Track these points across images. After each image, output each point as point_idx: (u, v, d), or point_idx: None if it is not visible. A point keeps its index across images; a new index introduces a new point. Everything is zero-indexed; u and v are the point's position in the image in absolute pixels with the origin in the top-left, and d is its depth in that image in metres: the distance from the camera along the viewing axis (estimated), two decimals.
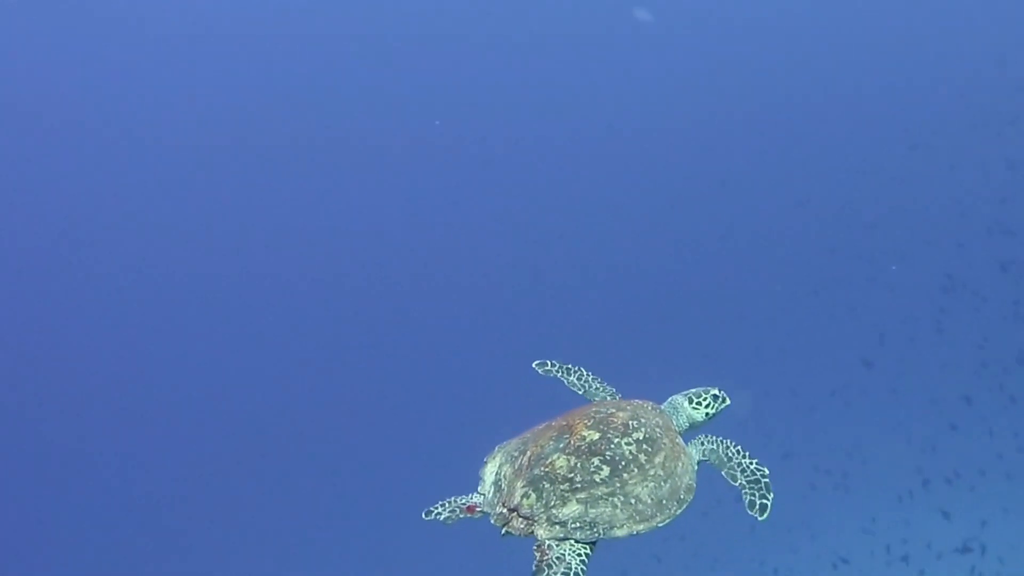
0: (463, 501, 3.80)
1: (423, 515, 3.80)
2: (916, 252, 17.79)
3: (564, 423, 3.80)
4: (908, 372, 15.33)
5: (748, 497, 3.72)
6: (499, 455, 3.89)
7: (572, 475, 3.54)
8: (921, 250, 17.67)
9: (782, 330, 17.47)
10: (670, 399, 4.10)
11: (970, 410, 13.78)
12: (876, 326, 16.30)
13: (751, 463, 3.82)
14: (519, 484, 3.60)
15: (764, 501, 3.69)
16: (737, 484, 3.77)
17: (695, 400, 4.03)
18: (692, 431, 4.03)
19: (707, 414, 4.02)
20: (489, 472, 3.84)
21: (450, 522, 3.76)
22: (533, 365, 4.40)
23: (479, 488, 3.82)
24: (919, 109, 21.45)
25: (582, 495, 3.50)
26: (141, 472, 22.28)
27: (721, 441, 3.90)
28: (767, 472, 3.76)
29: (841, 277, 18.00)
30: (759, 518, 3.66)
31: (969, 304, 15.94)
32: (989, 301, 15.83)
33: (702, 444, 3.92)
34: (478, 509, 3.76)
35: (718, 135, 22.81)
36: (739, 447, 3.87)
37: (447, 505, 3.81)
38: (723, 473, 3.83)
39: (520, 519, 3.53)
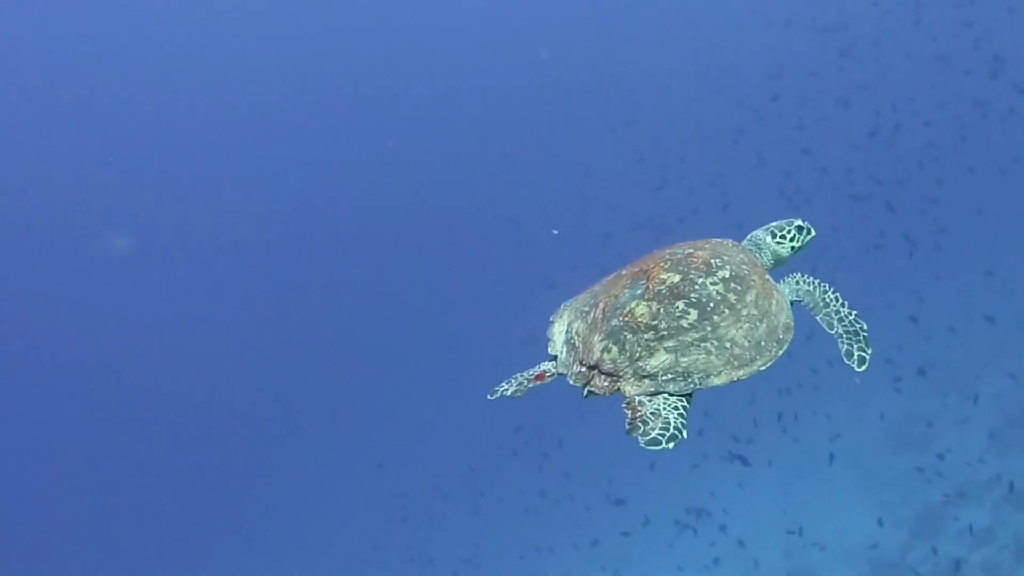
0: (530, 372, 3.43)
1: (488, 396, 3.41)
2: None
3: (637, 269, 3.40)
4: None
5: (845, 346, 3.39)
6: (566, 313, 3.52)
7: (656, 322, 3.16)
8: None
9: None
10: (750, 236, 3.75)
11: None
12: None
13: (850, 313, 3.48)
14: (596, 339, 3.22)
15: (863, 353, 3.37)
16: (833, 332, 3.44)
17: (778, 234, 3.68)
18: (777, 269, 3.69)
19: (792, 247, 3.68)
20: (557, 332, 3.47)
21: (519, 395, 3.35)
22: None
23: (549, 349, 3.45)
24: None
25: (670, 343, 3.13)
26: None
27: (819, 283, 3.54)
28: (866, 326, 3.43)
29: None
30: (857, 369, 3.34)
31: None
32: None
33: (796, 283, 3.57)
34: (548, 375, 3.39)
35: None
36: (838, 293, 3.52)
37: (512, 381, 3.42)
38: (818, 318, 3.49)
39: (603, 376, 3.17)
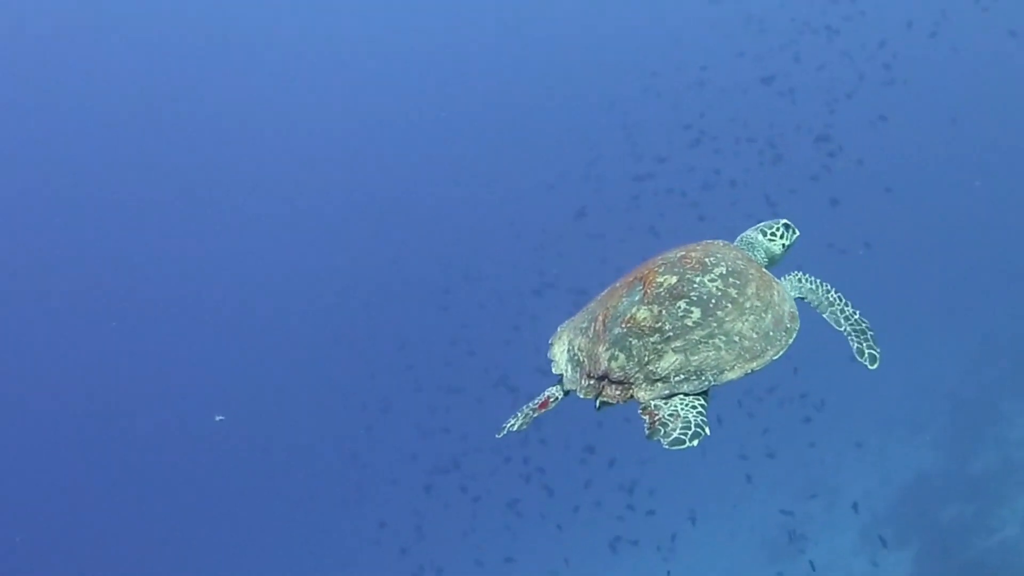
0: (534, 402, 3.33)
1: (496, 435, 3.34)
2: None
3: (631, 279, 3.34)
4: None
5: (856, 345, 3.42)
6: (564, 333, 3.45)
7: (660, 324, 3.09)
8: None
9: None
10: (740, 236, 3.73)
11: None
12: None
13: (854, 312, 3.51)
14: (601, 349, 3.13)
15: (873, 352, 3.39)
16: (841, 330, 3.47)
17: (768, 232, 3.68)
18: (771, 268, 3.65)
19: (784, 245, 3.68)
20: (559, 352, 3.38)
21: (524, 427, 3.28)
22: None
23: (553, 370, 3.36)
24: None
25: (678, 343, 3.06)
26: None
27: (820, 282, 3.59)
28: (870, 324, 3.46)
29: None
30: (869, 367, 3.37)
31: None
32: None
33: (799, 281, 3.59)
34: (552, 400, 3.31)
35: None
36: (840, 293, 3.56)
37: (518, 415, 3.32)
38: (825, 316, 3.51)
39: (613, 385, 3.08)
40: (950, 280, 19.11)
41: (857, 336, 3.45)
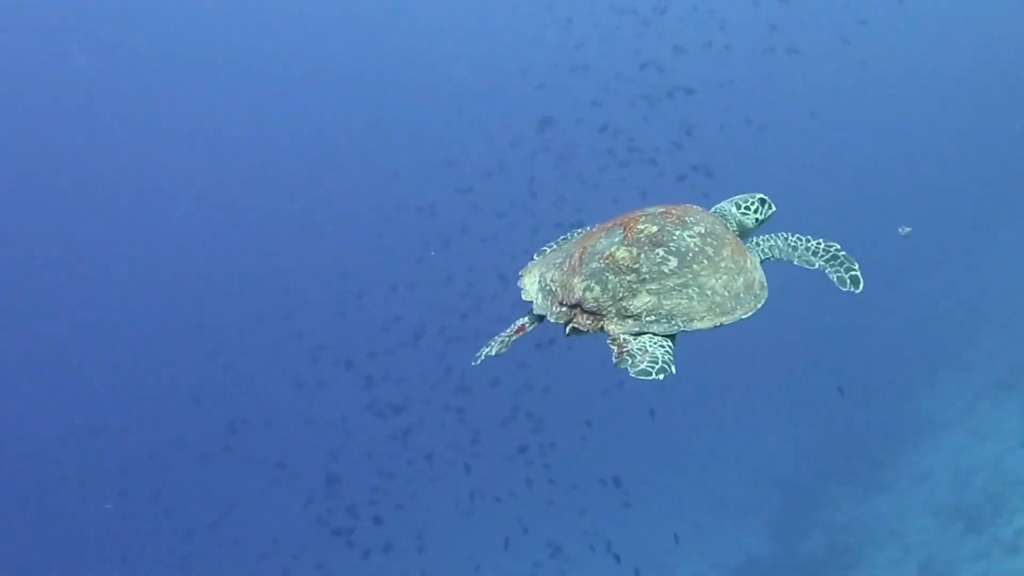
0: (509, 329, 3.37)
1: (472, 363, 3.40)
2: None
3: (611, 224, 3.40)
4: None
5: (835, 275, 3.43)
6: (536, 267, 3.50)
7: (637, 266, 3.15)
8: None
9: None
10: (714, 207, 3.73)
11: None
12: None
13: (819, 243, 3.52)
14: (577, 280, 3.20)
15: (853, 273, 3.41)
16: (817, 267, 3.48)
17: (743, 205, 3.69)
18: (742, 239, 3.66)
19: (757, 219, 3.69)
20: (529, 283, 3.44)
21: (503, 352, 3.32)
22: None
23: (523, 297, 3.40)
24: None
25: (652, 286, 3.13)
26: None
27: (778, 235, 3.63)
28: (838, 245, 3.47)
29: None
30: (855, 291, 3.38)
31: None
32: None
33: (758, 244, 3.61)
34: (528, 325, 3.36)
35: None
36: (798, 234, 3.57)
37: (493, 342, 3.36)
38: (795, 262, 3.54)
39: (585, 314, 3.14)
40: (782, 367, 19.64)
41: (833, 265, 3.46)
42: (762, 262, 3.57)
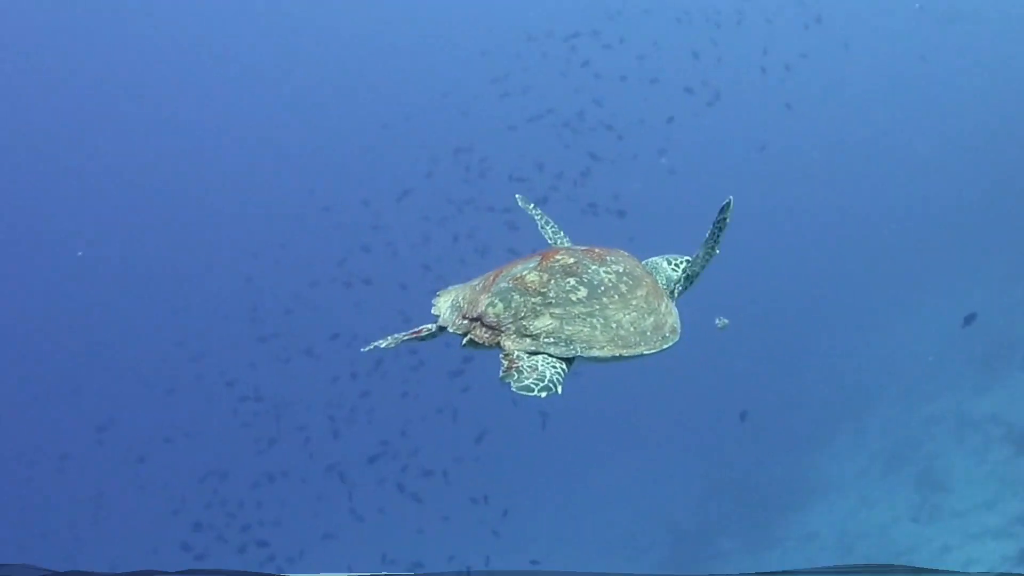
0: (407, 331, 3.46)
1: (361, 349, 3.47)
2: None
3: (535, 254, 3.49)
4: None
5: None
6: (453, 290, 3.60)
7: (545, 290, 3.22)
8: None
9: None
10: (646, 260, 3.78)
11: None
12: None
13: (711, 239, 3.57)
14: (483, 297, 3.28)
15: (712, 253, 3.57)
16: (709, 253, 3.58)
17: (673, 262, 3.75)
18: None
19: (684, 277, 3.73)
20: (443, 302, 3.53)
21: (392, 346, 3.38)
22: (516, 196, 4.07)
23: (432, 311, 3.50)
24: None
25: (557, 310, 3.17)
26: None
27: (675, 259, 3.74)
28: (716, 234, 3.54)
29: None
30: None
31: None
32: None
33: (676, 283, 3.69)
34: (426, 331, 3.42)
35: None
36: (685, 257, 3.72)
37: (388, 337, 3.40)
38: (703, 267, 3.62)
39: (484, 328, 3.19)
40: (688, 410, 19.72)
41: (711, 238, 3.55)
42: (679, 295, 3.67)
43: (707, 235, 3.53)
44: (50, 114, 26.86)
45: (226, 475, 15.64)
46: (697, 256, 3.61)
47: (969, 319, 15.43)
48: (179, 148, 26.41)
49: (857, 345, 20.55)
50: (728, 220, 3.47)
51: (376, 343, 3.39)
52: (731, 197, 3.43)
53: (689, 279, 3.68)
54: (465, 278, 3.69)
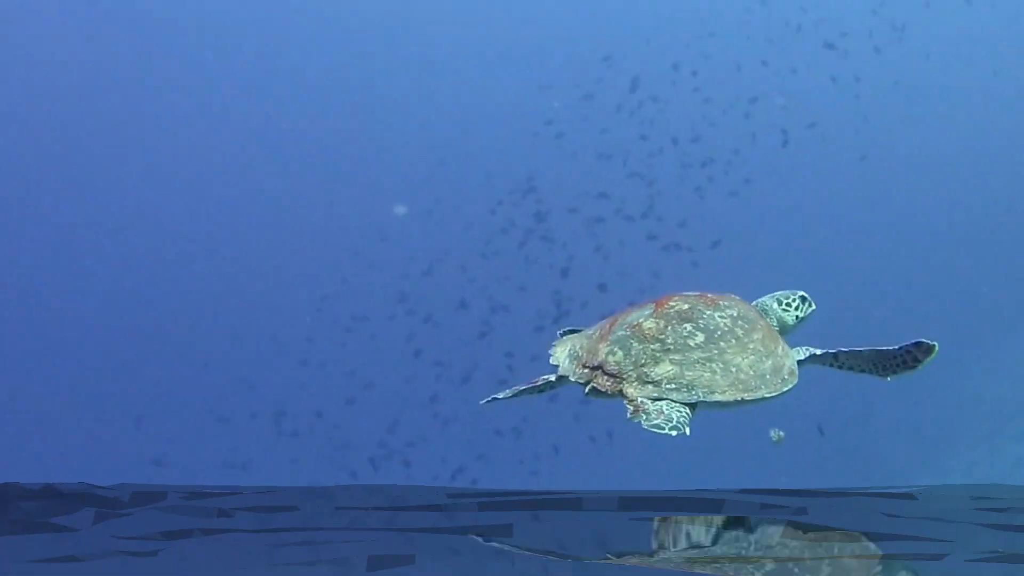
0: (529, 382, 3.52)
1: (480, 403, 3.56)
2: None
3: (646, 302, 3.55)
4: None
5: (899, 359, 3.50)
6: (570, 338, 3.65)
7: (663, 337, 3.29)
8: None
9: None
10: (756, 301, 3.78)
11: None
12: None
13: (860, 350, 3.57)
14: (602, 345, 3.35)
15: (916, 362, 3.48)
16: (867, 368, 3.57)
17: (784, 301, 3.74)
18: (783, 337, 3.72)
19: (798, 316, 3.73)
20: (560, 351, 3.58)
21: (511, 397, 3.50)
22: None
23: (551, 361, 3.57)
24: None
25: (676, 356, 3.25)
26: None
27: (825, 351, 3.66)
28: (881, 350, 3.53)
29: None
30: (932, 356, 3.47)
31: None
32: None
33: (807, 350, 3.64)
34: (543, 383, 3.50)
35: None
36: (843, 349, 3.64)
37: (508, 389, 3.51)
38: (845, 370, 3.62)
39: (605, 376, 3.27)
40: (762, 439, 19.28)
41: (880, 360, 3.54)
42: (805, 361, 3.61)
43: (886, 353, 3.55)
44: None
45: None
46: (859, 354, 3.61)
47: None
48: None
49: (939, 383, 19.89)
50: (922, 367, 3.51)
51: (495, 395, 3.51)
52: (936, 344, 3.45)
53: (801, 320, 3.74)
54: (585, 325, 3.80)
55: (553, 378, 3.51)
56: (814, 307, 3.80)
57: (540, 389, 3.54)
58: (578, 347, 3.52)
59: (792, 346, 3.68)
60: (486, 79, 26.55)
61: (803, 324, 3.80)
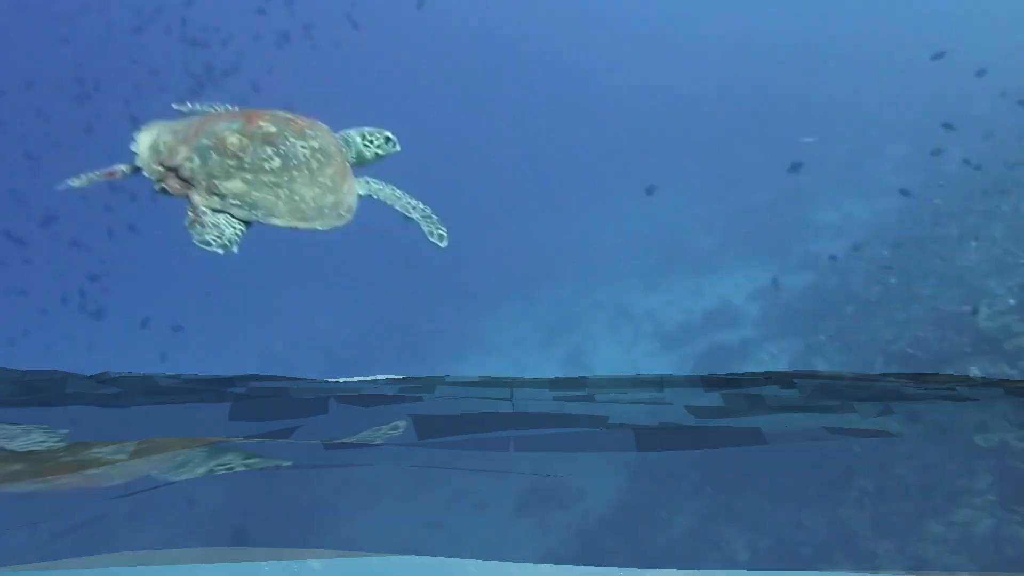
0: (100, 170, 3.54)
1: (56, 187, 3.55)
2: None
3: (241, 113, 3.62)
4: None
5: (427, 228, 3.81)
6: (156, 127, 3.61)
7: (242, 155, 3.43)
8: None
9: None
10: (342, 132, 3.92)
11: None
12: None
13: (419, 203, 3.88)
14: (183, 148, 3.44)
15: (441, 232, 3.81)
16: (413, 217, 3.83)
17: (368, 136, 3.91)
18: (356, 168, 3.93)
19: (376, 154, 3.91)
20: (144, 140, 3.55)
21: (84, 185, 3.55)
22: (173, 106, 3.97)
23: (132, 148, 3.52)
24: None
25: (248, 176, 3.43)
26: None
27: (387, 185, 3.90)
28: (430, 210, 3.84)
29: None
30: (440, 245, 3.79)
31: None
32: None
33: (367, 183, 3.87)
34: (119, 173, 3.50)
35: None
36: (405, 192, 3.92)
37: (82, 176, 3.53)
38: (396, 207, 3.88)
39: (178, 180, 3.41)
40: (354, 262, 19.80)
41: (426, 221, 3.81)
42: (364, 196, 3.83)
43: (424, 211, 3.79)
44: None
45: None
46: (400, 198, 3.83)
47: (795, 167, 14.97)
48: None
49: (545, 224, 21.20)
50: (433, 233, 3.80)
51: (69, 181, 3.53)
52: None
53: (379, 158, 3.90)
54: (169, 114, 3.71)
55: (127, 168, 3.52)
56: (398, 148, 3.95)
57: (115, 176, 3.53)
58: (161, 141, 3.53)
59: (359, 177, 3.87)
60: None
61: (380, 161, 3.95)
